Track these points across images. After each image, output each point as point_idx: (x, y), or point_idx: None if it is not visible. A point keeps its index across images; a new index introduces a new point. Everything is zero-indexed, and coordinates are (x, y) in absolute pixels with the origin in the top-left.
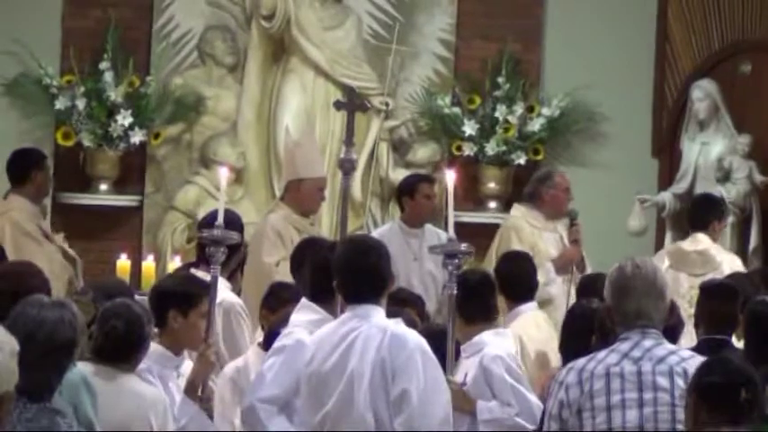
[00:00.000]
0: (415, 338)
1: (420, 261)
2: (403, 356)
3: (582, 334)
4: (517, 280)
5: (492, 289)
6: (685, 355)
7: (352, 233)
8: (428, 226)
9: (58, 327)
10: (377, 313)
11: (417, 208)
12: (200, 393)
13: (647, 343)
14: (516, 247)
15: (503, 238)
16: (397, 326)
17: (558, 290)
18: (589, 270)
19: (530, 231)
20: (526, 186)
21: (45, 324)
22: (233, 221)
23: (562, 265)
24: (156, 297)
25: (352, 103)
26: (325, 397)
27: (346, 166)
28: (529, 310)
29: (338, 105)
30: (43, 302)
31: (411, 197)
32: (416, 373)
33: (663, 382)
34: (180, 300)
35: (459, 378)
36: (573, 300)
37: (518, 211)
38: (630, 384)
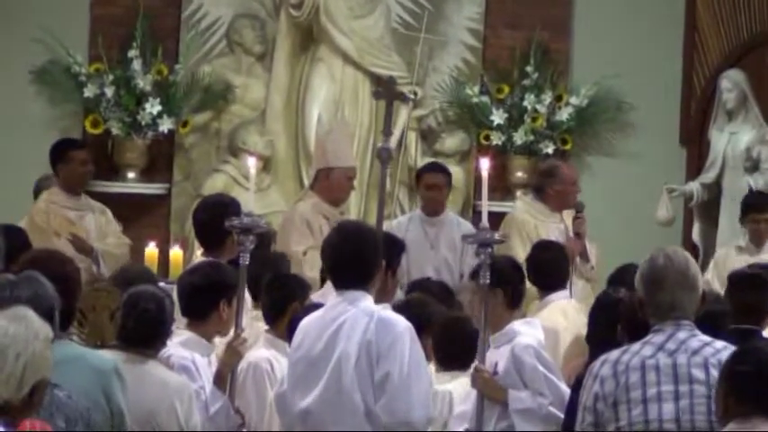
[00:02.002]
0: (403, 323)
1: (436, 249)
2: (388, 340)
3: (608, 324)
4: (549, 269)
5: (521, 278)
6: (719, 347)
7: (346, 220)
8: (450, 214)
9: (35, 301)
10: (365, 299)
11: (422, 198)
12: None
13: (682, 335)
14: (518, 241)
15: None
16: (384, 311)
17: None
18: (593, 262)
19: (533, 224)
20: (532, 178)
21: (21, 301)
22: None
23: None
24: (208, 287)
25: (391, 92)
26: (313, 382)
27: (384, 155)
28: (559, 299)
29: (377, 95)
30: (12, 280)
31: (418, 187)
32: (401, 356)
33: (698, 374)
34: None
35: (488, 368)
36: (576, 289)
37: (522, 202)
38: (666, 377)
